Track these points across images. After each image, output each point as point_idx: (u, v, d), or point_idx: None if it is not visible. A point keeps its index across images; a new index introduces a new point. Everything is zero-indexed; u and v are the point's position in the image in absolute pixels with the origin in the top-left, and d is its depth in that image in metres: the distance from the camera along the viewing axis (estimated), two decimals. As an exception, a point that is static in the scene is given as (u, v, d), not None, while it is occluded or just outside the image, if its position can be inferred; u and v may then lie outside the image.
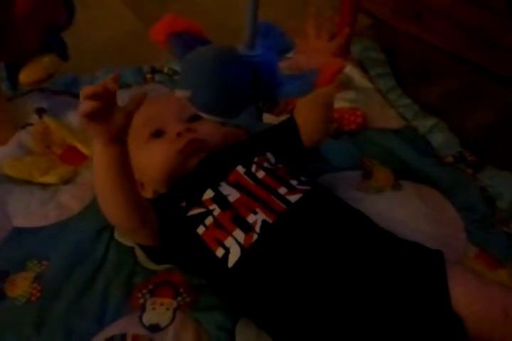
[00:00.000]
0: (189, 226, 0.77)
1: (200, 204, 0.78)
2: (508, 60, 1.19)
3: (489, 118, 1.12)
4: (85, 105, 0.64)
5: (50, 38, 1.01)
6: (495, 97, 1.16)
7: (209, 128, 0.87)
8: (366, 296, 0.68)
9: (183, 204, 0.80)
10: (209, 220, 0.76)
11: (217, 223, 0.75)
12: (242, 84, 0.60)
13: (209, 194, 0.79)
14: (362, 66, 1.25)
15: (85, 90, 0.65)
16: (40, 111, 1.11)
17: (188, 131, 0.84)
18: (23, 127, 1.08)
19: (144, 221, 0.76)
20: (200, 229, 0.76)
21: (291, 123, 0.90)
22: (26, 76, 1.02)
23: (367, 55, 1.27)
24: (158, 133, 0.86)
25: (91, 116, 0.65)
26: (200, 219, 0.77)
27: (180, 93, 0.59)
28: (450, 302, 0.67)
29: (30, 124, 1.08)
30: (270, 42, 0.66)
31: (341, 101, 1.14)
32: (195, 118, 0.87)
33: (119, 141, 0.69)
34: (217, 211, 0.77)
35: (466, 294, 0.68)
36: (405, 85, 1.21)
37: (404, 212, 0.92)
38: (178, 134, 0.84)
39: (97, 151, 0.70)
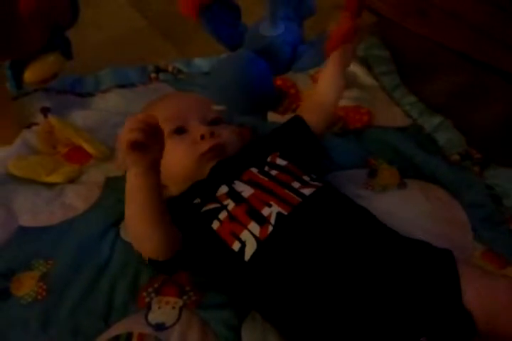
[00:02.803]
0: (204, 221, 0.77)
1: (215, 199, 0.79)
2: (514, 57, 1.19)
3: (495, 116, 1.11)
4: (130, 134, 0.66)
5: (55, 36, 1.01)
6: (501, 95, 1.16)
7: (230, 134, 0.88)
8: (379, 292, 0.68)
9: (197, 200, 0.80)
10: (223, 215, 0.76)
11: (231, 217, 0.76)
12: (264, 81, 0.61)
13: (223, 190, 0.79)
14: (366, 64, 1.25)
15: (131, 122, 0.67)
16: (45, 111, 1.11)
17: (211, 136, 0.85)
18: (28, 126, 1.08)
19: (174, 249, 0.76)
20: (215, 224, 0.76)
21: (298, 119, 0.92)
22: (31, 75, 1.01)
23: (371, 52, 1.27)
24: (180, 130, 0.86)
25: (133, 146, 0.67)
26: (214, 214, 0.77)
27: (217, 107, 0.62)
28: (461, 299, 0.67)
29: (36, 124, 1.08)
30: (292, 9, 0.67)
31: (346, 100, 1.14)
32: (216, 121, 0.89)
33: (154, 170, 0.71)
34: (231, 205, 0.77)
35: (477, 292, 0.68)
36: (410, 83, 1.20)
37: (410, 210, 0.92)
38: (202, 137, 0.85)
39: (131, 179, 0.72)
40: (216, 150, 0.85)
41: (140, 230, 0.75)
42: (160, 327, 0.78)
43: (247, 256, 0.72)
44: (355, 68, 1.22)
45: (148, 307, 0.80)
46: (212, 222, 0.77)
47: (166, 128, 0.86)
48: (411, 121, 1.12)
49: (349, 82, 1.19)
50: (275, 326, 0.76)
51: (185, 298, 0.81)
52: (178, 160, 0.85)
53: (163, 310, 0.80)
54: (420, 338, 0.66)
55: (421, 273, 0.70)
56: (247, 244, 0.73)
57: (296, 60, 0.70)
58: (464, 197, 0.94)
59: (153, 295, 0.81)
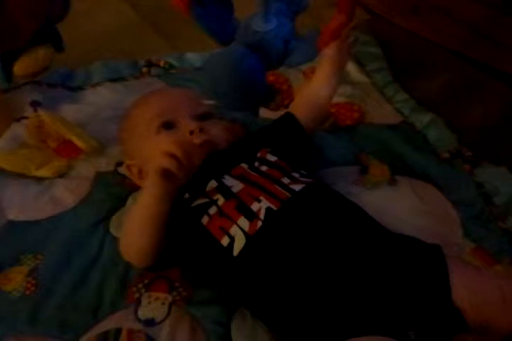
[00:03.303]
0: (193, 216, 0.77)
1: (204, 194, 0.78)
2: (506, 55, 1.19)
3: (487, 114, 1.12)
4: (166, 160, 0.69)
5: (45, 29, 1.00)
6: (493, 93, 1.16)
7: (219, 130, 0.88)
8: (368, 286, 0.68)
9: (186, 195, 0.80)
10: (213, 210, 0.76)
11: (221, 212, 0.75)
12: (256, 77, 0.61)
13: (213, 185, 0.79)
14: (358, 60, 1.25)
15: (171, 146, 0.71)
16: (35, 104, 1.10)
17: (200, 131, 0.84)
18: (18, 120, 1.07)
19: (156, 258, 0.78)
20: (204, 219, 0.76)
21: (289, 116, 0.92)
22: (21, 68, 1.01)
23: (364, 49, 1.27)
24: (168, 125, 0.86)
25: (164, 173, 0.70)
26: (203, 209, 0.77)
27: (208, 102, 0.62)
28: (450, 294, 0.68)
29: (25, 117, 1.07)
30: (285, 4, 0.67)
31: (337, 96, 1.14)
32: (206, 116, 0.88)
33: (170, 195, 0.73)
34: (221, 200, 0.76)
35: (465, 287, 0.68)
36: (402, 80, 1.20)
37: (400, 207, 0.92)
38: (191, 132, 0.84)
39: (145, 197, 0.74)
40: (205, 146, 0.84)
41: (134, 239, 0.77)
42: (149, 322, 0.77)
43: (236, 251, 0.72)
44: (347, 65, 1.22)
45: (138, 303, 0.80)
46: (202, 217, 0.76)
47: (156, 123, 0.86)
48: (402, 118, 1.12)
49: (341, 79, 1.19)
50: (264, 322, 0.76)
51: (174, 294, 0.80)
52: None
53: (153, 305, 0.79)
54: (408, 332, 0.66)
55: (410, 268, 0.70)
56: (236, 239, 0.72)
57: (288, 55, 0.70)
58: (454, 194, 0.95)
59: (142, 290, 0.81)
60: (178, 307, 0.79)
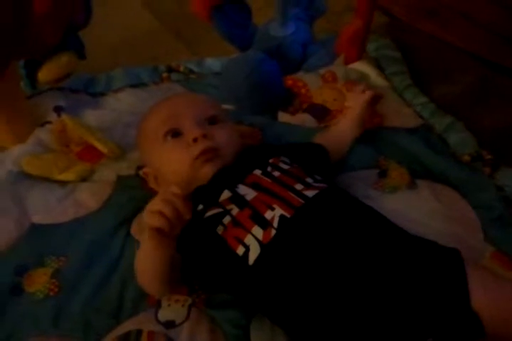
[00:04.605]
0: (208, 227, 0.77)
1: (218, 204, 0.78)
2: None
3: (507, 117, 1.10)
4: (154, 220, 0.67)
5: (68, 37, 1.02)
6: (512, 96, 1.15)
7: (226, 135, 0.86)
8: (385, 293, 0.67)
9: (200, 207, 0.79)
10: (227, 219, 0.76)
11: (235, 222, 0.75)
12: (274, 81, 0.62)
13: (226, 195, 0.78)
14: (378, 64, 1.24)
15: (155, 203, 0.67)
16: (59, 110, 1.12)
17: (204, 137, 0.83)
18: (42, 125, 1.09)
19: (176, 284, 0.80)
20: (219, 229, 0.76)
21: (321, 149, 0.94)
22: (45, 74, 1.03)
23: (382, 53, 1.26)
24: (174, 133, 0.85)
25: (157, 231, 0.67)
26: (218, 219, 0.76)
27: (226, 106, 0.62)
28: (469, 300, 0.67)
29: (49, 122, 1.09)
30: (303, 9, 0.67)
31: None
32: (213, 121, 0.87)
33: (168, 242, 0.70)
34: (235, 210, 0.76)
35: (484, 294, 0.67)
36: (421, 83, 1.19)
37: (420, 211, 0.91)
38: (195, 140, 0.83)
39: (146, 247, 0.72)
40: (208, 153, 0.83)
41: (146, 282, 0.78)
42: (169, 324, 0.78)
43: (251, 260, 0.72)
44: (366, 69, 1.22)
45: (158, 305, 0.81)
46: (217, 227, 0.76)
47: (162, 131, 0.85)
48: (422, 121, 1.11)
49: (360, 82, 1.19)
50: (281, 328, 0.76)
51: (194, 296, 0.81)
52: (173, 165, 0.84)
53: (173, 307, 0.80)
54: (427, 339, 0.65)
55: (428, 274, 0.69)
56: (251, 248, 0.72)
57: (306, 60, 0.70)
58: (474, 197, 0.94)
59: (163, 292, 0.82)
60: (198, 310, 0.79)
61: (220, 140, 0.85)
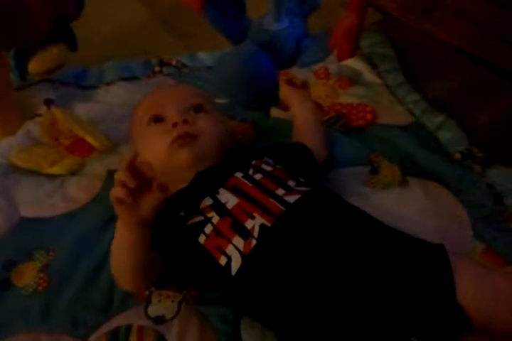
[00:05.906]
0: (190, 235, 0.76)
1: (199, 212, 0.77)
2: (519, 56, 1.18)
3: (499, 115, 1.11)
4: (115, 190, 0.64)
5: (59, 28, 1.01)
6: (505, 94, 1.15)
7: (209, 124, 0.86)
8: (369, 295, 0.67)
9: (182, 213, 0.78)
10: (208, 228, 0.75)
11: (216, 231, 0.74)
12: (267, 75, 0.61)
13: (207, 202, 0.78)
14: (370, 61, 1.24)
15: (118, 173, 0.63)
16: (49, 102, 1.11)
17: (184, 123, 0.84)
18: (32, 118, 1.08)
19: (150, 284, 0.79)
20: (202, 238, 0.75)
21: (303, 148, 0.93)
22: (35, 66, 1.01)
23: (375, 50, 1.27)
24: (157, 119, 0.86)
25: (119, 202, 0.64)
26: (200, 227, 0.75)
27: (219, 100, 0.62)
28: (455, 294, 0.66)
29: (39, 115, 1.08)
30: (297, 3, 0.67)
31: (350, 97, 1.14)
32: (199, 109, 0.88)
33: (142, 225, 0.68)
34: (215, 218, 0.75)
35: (470, 286, 0.67)
36: (414, 81, 1.20)
37: (410, 208, 0.92)
38: (174, 124, 0.84)
39: (119, 230, 0.70)
40: (186, 137, 0.82)
41: (120, 270, 0.75)
42: (159, 320, 0.78)
43: (234, 270, 0.71)
44: (359, 65, 1.22)
45: (148, 301, 0.80)
46: (198, 236, 0.75)
47: (146, 117, 0.87)
48: (414, 119, 1.11)
49: (353, 80, 1.19)
50: (271, 330, 0.76)
51: (184, 292, 0.81)
52: (153, 150, 0.84)
53: (163, 303, 0.80)
54: (410, 338, 0.65)
55: (413, 271, 0.69)
56: (233, 258, 0.71)
57: (300, 55, 0.70)
58: (465, 195, 0.94)
59: (153, 288, 0.81)
60: (188, 306, 0.79)
61: (201, 127, 0.85)
